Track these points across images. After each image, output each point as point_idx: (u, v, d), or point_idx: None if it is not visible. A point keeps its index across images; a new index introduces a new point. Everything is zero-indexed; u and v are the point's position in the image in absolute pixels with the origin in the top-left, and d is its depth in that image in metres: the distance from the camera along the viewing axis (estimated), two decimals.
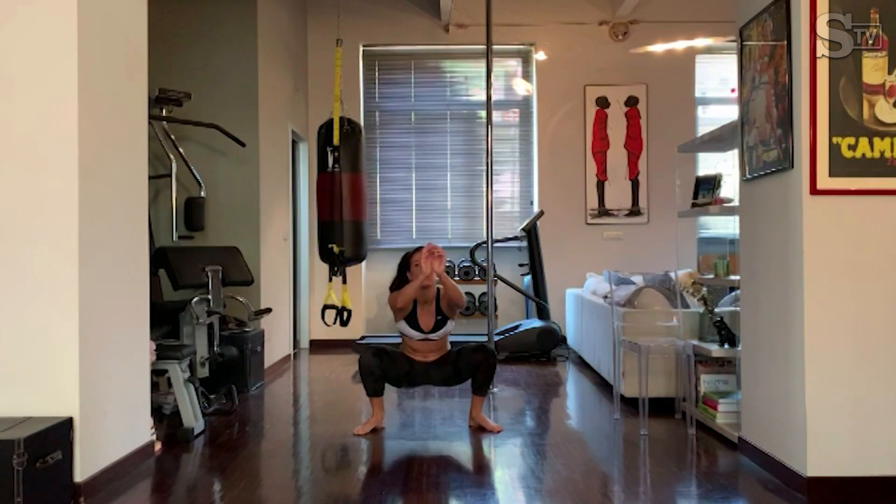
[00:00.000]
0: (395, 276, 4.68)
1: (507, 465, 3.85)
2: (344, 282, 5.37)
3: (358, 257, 5.39)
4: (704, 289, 4.81)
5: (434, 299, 4.54)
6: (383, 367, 4.39)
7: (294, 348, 7.64)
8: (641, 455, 4.00)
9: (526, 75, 8.43)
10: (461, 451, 4.09)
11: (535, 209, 8.09)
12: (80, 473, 3.22)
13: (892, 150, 3.29)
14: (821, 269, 3.30)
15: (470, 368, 4.41)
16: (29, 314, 3.21)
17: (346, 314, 5.30)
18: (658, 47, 8.11)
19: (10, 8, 3.25)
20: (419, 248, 4.55)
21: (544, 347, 7.15)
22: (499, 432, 4.39)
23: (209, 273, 4.90)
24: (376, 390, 4.44)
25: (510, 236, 7.93)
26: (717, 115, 8.00)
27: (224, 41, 6.22)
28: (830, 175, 3.28)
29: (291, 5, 7.58)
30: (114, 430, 3.53)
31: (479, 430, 4.45)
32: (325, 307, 5.37)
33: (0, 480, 2.81)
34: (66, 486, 3.14)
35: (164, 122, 5.87)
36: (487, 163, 5.91)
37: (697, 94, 8.27)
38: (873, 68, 3.29)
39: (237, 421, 4.75)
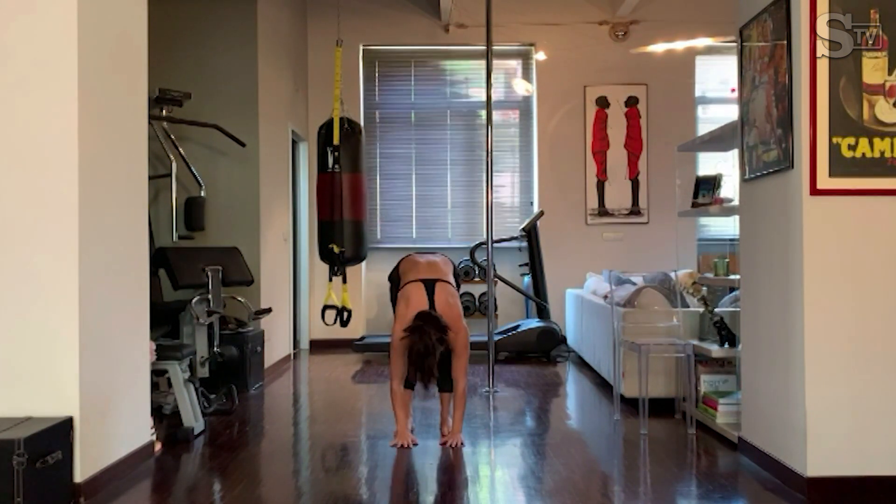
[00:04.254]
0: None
1: (507, 465, 3.85)
2: (344, 282, 5.38)
3: (358, 257, 5.39)
4: (704, 289, 4.81)
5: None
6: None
7: (294, 348, 7.64)
8: (641, 455, 4.00)
9: (526, 75, 8.43)
10: (461, 450, 4.08)
11: (535, 209, 8.08)
12: (80, 473, 3.22)
13: (892, 150, 3.29)
14: (821, 270, 3.30)
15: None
16: (29, 314, 3.21)
17: (346, 314, 5.31)
18: (658, 47, 8.10)
19: (10, 8, 3.25)
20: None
21: (544, 347, 7.15)
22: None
23: (209, 273, 4.90)
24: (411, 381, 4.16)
25: (510, 236, 7.93)
26: (717, 115, 8.00)
27: (224, 41, 6.22)
28: (830, 175, 3.28)
29: (291, 5, 7.57)
30: (114, 430, 3.53)
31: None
32: (325, 307, 5.37)
33: (0, 480, 2.81)
34: (66, 486, 3.14)
35: (164, 122, 5.86)
36: (487, 163, 5.91)
37: (697, 94, 8.26)
38: (873, 68, 3.29)
39: (237, 421, 4.75)
